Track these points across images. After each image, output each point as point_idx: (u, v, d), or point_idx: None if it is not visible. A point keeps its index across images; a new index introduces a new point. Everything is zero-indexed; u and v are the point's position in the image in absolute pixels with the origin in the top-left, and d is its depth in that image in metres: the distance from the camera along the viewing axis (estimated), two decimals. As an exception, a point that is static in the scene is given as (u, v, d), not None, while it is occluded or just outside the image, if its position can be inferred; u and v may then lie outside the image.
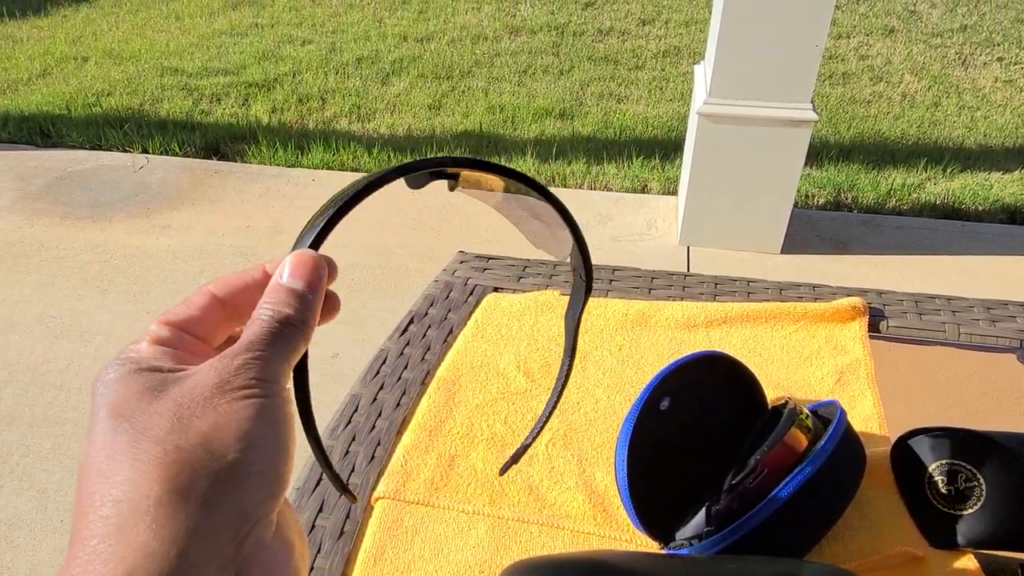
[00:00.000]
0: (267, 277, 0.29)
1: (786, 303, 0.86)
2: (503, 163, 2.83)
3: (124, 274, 2.24)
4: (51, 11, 4.67)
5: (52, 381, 1.84)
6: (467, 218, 2.52)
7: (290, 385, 0.27)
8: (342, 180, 2.77)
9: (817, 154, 2.85)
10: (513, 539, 0.62)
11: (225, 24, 4.35)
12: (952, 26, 4.17)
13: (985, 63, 3.76)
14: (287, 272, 0.27)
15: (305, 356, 0.28)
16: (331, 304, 0.30)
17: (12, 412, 1.76)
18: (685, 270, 2.23)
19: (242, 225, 2.49)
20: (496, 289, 0.92)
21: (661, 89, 3.48)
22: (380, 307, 2.09)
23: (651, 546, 0.60)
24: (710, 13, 4.39)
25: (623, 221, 2.47)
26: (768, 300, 0.89)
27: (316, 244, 0.28)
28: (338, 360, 1.90)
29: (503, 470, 0.39)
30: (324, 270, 0.28)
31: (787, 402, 0.65)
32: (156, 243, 2.39)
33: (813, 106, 1.99)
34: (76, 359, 1.91)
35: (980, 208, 2.54)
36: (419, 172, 0.30)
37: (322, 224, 0.28)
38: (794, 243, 2.30)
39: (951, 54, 3.85)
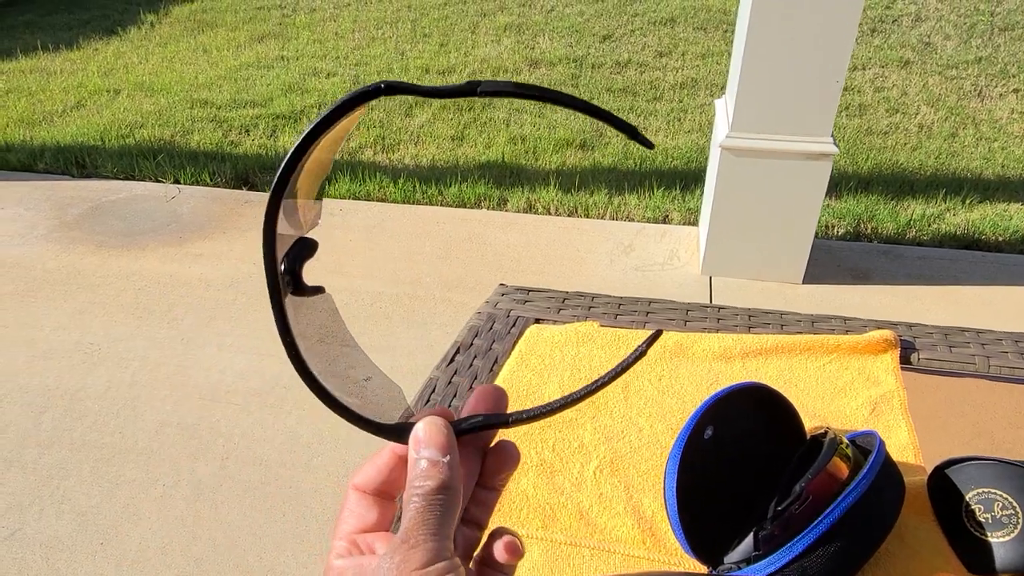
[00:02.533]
0: (394, 455, 0.32)
1: (819, 335, 0.89)
2: (527, 195, 2.87)
3: (159, 301, 2.30)
4: (82, 44, 4.82)
5: (90, 406, 1.89)
6: (494, 248, 2.57)
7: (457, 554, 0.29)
8: (368, 209, 2.84)
9: (836, 185, 2.88)
10: (566, 562, 0.65)
11: (251, 57, 4.47)
12: (967, 58, 4.21)
13: (1001, 94, 3.79)
14: (421, 447, 0.30)
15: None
16: (505, 456, 0.33)
17: (51, 436, 1.80)
18: (708, 300, 2.26)
19: (272, 254, 2.54)
20: (538, 320, 0.96)
21: (679, 120, 3.54)
22: (408, 335, 2.13)
23: (699, 570, 0.63)
24: (726, 45, 4.47)
25: (645, 251, 2.51)
26: (801, 332, 0.93)
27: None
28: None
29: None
30: (451, 430, 0.31)
31: (826, 432, 0.68)
32: (189, 271, 2.46)
33: (833, 140, 2.03)
34: (114, 385, 1.96)
35: (1000, 239, 2.56)
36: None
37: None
38: (815, 274, 2.33)
39: (967, 86, 3.89)
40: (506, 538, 0.32)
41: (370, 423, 0.32)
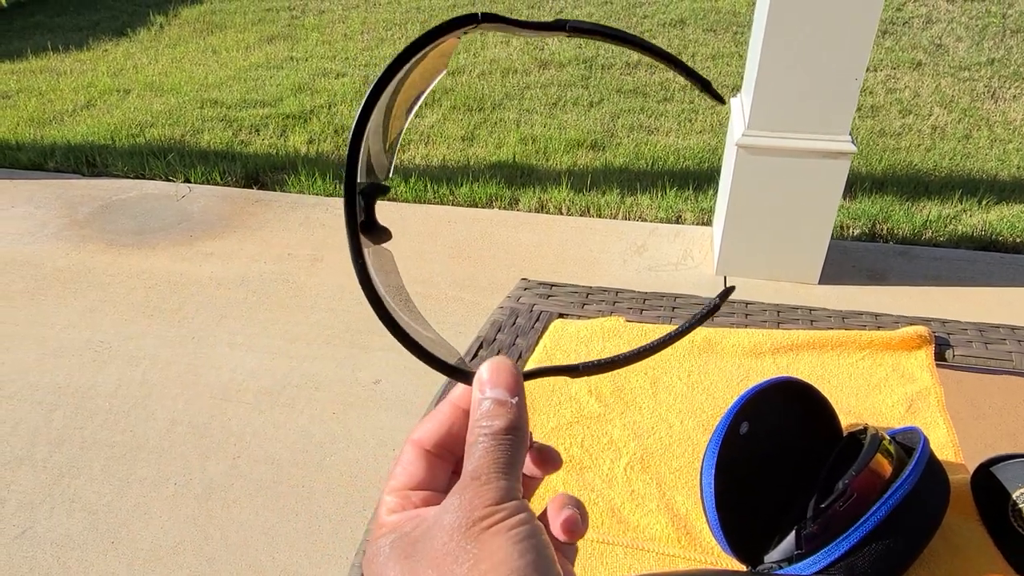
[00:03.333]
0: (457, 410, 0.30)
1: (850, 331, 0.87)
2: (538, 194, 2.86)
3: (169, 300, 2.29)
4: (92, 45, 4.82)
5: (101, 404, 1.88)
6: (506, 247, 2.55)
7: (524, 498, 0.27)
8: (379, 208, 2.81)
9: (850, 186, 2.85)
10: (599, 560, 0.64)
11: (261, 58, 4.46)
12: (979, 60, 4.18)
13: (1015, 96, 3.76)
14: (487, 387, 0.29)
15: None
16: (547, 456, 0.31)
17: (62, 434, 1.79)
18: (722, 300, 2.24)
19: (283, 253, 2.53)
20: (561, 315, 0.94)
21: (690, 121, 3.52)
22: (420, 334, 2.11)
23: (737, 568, 0.61)
24: (736, 47, 4.44)
25: (659, 251, 2.49)
26: (831, 328, 0.90)
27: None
28: (380, 386, 1.92)
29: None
30: (518, 371, 0.30)
31: (865, 428, 0.66)
32: (200, 270, 2.44)
33: (852, 138, 2.01)
34: (124, 383, 1.94)
35: (1018, 240, 2.53)
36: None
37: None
38: (831, 274, 2.31)
39: (980, 87, 3.86)
40: (566, 513, 0.29)
41: (439, 361, 0.31)
